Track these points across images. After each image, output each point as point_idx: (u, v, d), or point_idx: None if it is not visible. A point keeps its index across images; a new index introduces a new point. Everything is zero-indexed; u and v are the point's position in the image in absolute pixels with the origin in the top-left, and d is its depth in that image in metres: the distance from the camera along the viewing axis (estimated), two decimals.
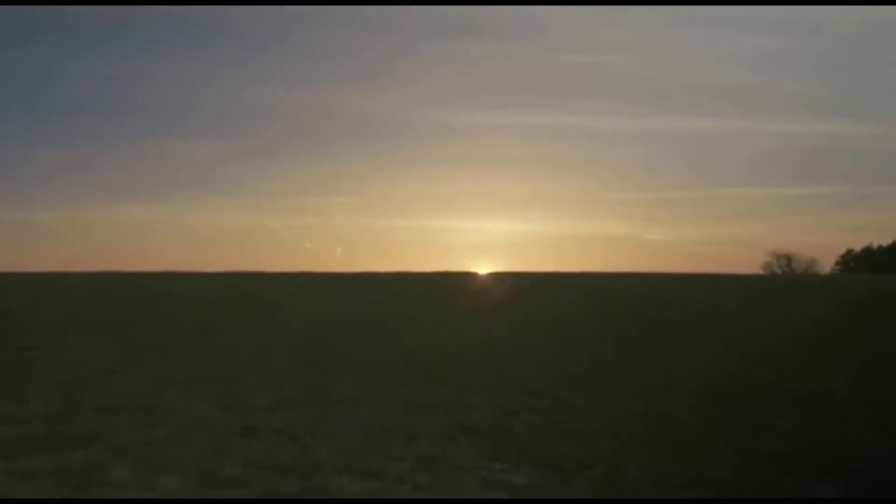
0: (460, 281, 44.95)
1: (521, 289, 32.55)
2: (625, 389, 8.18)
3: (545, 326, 15.31)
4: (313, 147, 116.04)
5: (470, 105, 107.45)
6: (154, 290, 30.85)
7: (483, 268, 67.44)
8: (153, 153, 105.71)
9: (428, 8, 78.88)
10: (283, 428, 6.32)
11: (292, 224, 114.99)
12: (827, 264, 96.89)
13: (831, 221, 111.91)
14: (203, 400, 7.50)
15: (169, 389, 8.10)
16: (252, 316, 17.62)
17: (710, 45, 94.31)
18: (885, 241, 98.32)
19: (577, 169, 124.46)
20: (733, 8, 75.03)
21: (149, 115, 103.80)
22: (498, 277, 46.43)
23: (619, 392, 8.05)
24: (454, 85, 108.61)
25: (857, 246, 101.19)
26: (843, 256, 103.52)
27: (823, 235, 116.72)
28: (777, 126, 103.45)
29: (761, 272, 76.59)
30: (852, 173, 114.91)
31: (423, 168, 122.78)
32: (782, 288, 36.28)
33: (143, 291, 30.39)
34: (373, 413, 6.89)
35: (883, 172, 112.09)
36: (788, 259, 77.91)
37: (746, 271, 72.78)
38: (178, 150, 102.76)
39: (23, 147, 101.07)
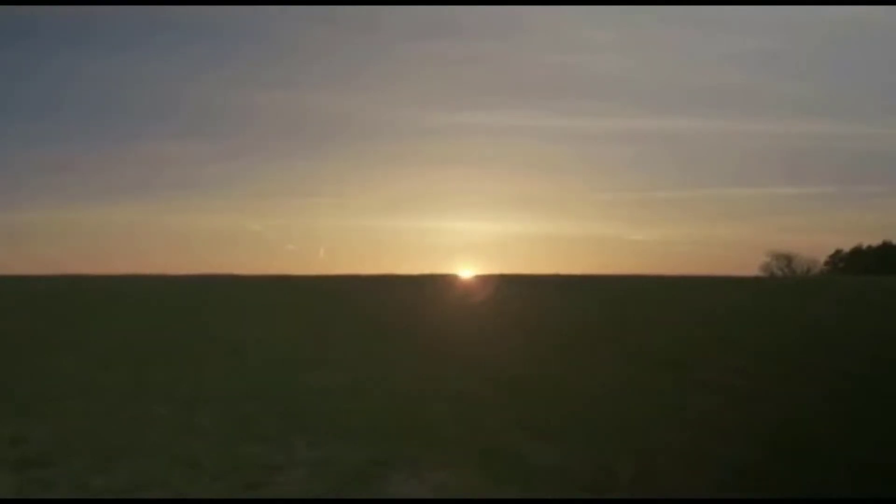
0: (453, 285, 41.88)
1: (525, 295, 29.48)
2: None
3: (583, 348, 12.20)
4: (295, 148, 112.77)
5: (454, 105, 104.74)
6: (92, 298, 27.34)
7: (467, 269, 64.54)
8: (135, 154, 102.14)
9: (411, 8, 76.21)
10: None
11: (274, 225, 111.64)
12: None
13: (819, 222, 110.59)
14: None
15: (7, 476, 4.88)
16: (193, 337, 14.33)
17: (697, 45, 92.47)
18: (874, 242, 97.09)
19: (562, 169, 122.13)
20: (722, 8, 73.01)
21: (131, 116, 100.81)
22: (489, 281, 43.29)
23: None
24: (438, 85, 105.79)
25: (846, 246, 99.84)
26: (832, 257, 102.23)
27: (811, 236, 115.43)
28: (765, 126, 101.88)
29: (761, 273, 74.41)
30: (840, 174, 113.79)
31: (407, 169, 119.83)
32: (807, 290, 33.64)
33: (78, 300, 26.85)
34: None
35: (871, 173, 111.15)
36: (788, 260, 75.71)
37: (734, 272, 70.35)
38: (161, 151, 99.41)
39: (5, 148, 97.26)
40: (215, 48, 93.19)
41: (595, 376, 8.80)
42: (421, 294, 32.94)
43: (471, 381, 8.40)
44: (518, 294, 30.84)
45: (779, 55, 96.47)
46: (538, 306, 23.32)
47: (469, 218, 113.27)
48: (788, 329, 15.41)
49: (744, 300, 26.19)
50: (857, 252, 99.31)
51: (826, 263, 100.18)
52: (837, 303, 24.94)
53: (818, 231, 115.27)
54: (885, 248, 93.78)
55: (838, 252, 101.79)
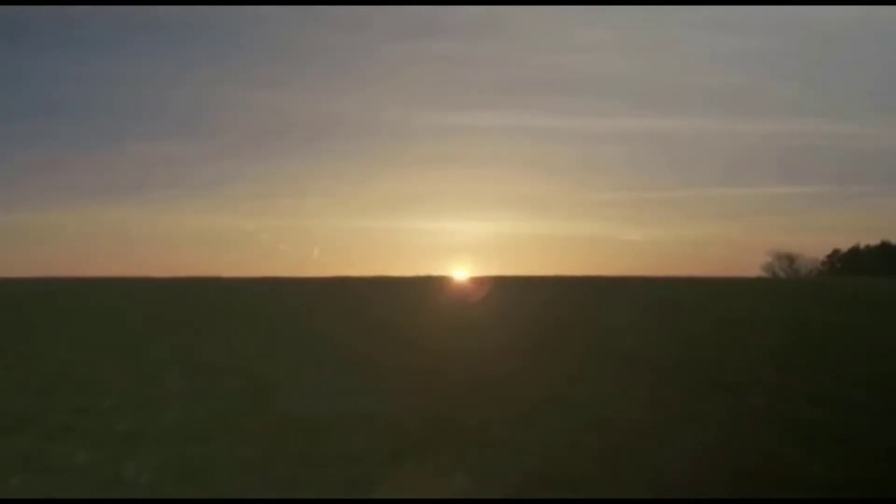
0: (449, 288, 40.39)
1: (525, 299, 28.05)
2: None
3: (606, 365, 10.80)
4: (289, 148, 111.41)
5: (449, 105, 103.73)
6: (67, 304, 25.75)
7: (461, 270, 63.15)
8: (126, 154, 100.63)
9: (406, 8, 75.11)
10: None
11: (267, 225, 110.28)
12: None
13: (815, 221, 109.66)
14: None
15: None
16: (158, 352, 12.86)
17: (693, 45, 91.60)
18: (871, 241, 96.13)
19: (556, 169, 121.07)
20: (716, 9, 71.99)
21: (121, 116, 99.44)
22: (488, 285, 41.75)
23: None
24: (433, 86, 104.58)
25: (842, 246, 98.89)
26: (829, 257, 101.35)
27: (807, 235, 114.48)
28: (760, 126, 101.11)
29: (763, 273, 73.05)
30: (836, 173, 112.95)
31: (402, 169, 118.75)
32: (820, 292, 32.30)
33: (51, 306, 25.25)
34: None
35: (867, 172, 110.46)
36: (791, 260, 74.50)
37: (730, 272, 69.17)
38: (152, 151, 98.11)
39: None
40: (206, 49, 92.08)
41: (631, 404, 7.37)
42: (419, 298, 31.52)
43: (479, 409, 6.97)
44: (517, 298, 29.46)
45: (775, 55, 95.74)
46: (541, 312, 21.94)
47: (463, 218, 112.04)
48: (825, 338, 14.10)
49: (759, 304, 24.89)
50: (855, 252, 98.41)
51: (823, 264, 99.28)
52: (867, 307, 23.67)
53: (814, 230, 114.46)
54: (884, 247, 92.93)
55: (836, 252, 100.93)
